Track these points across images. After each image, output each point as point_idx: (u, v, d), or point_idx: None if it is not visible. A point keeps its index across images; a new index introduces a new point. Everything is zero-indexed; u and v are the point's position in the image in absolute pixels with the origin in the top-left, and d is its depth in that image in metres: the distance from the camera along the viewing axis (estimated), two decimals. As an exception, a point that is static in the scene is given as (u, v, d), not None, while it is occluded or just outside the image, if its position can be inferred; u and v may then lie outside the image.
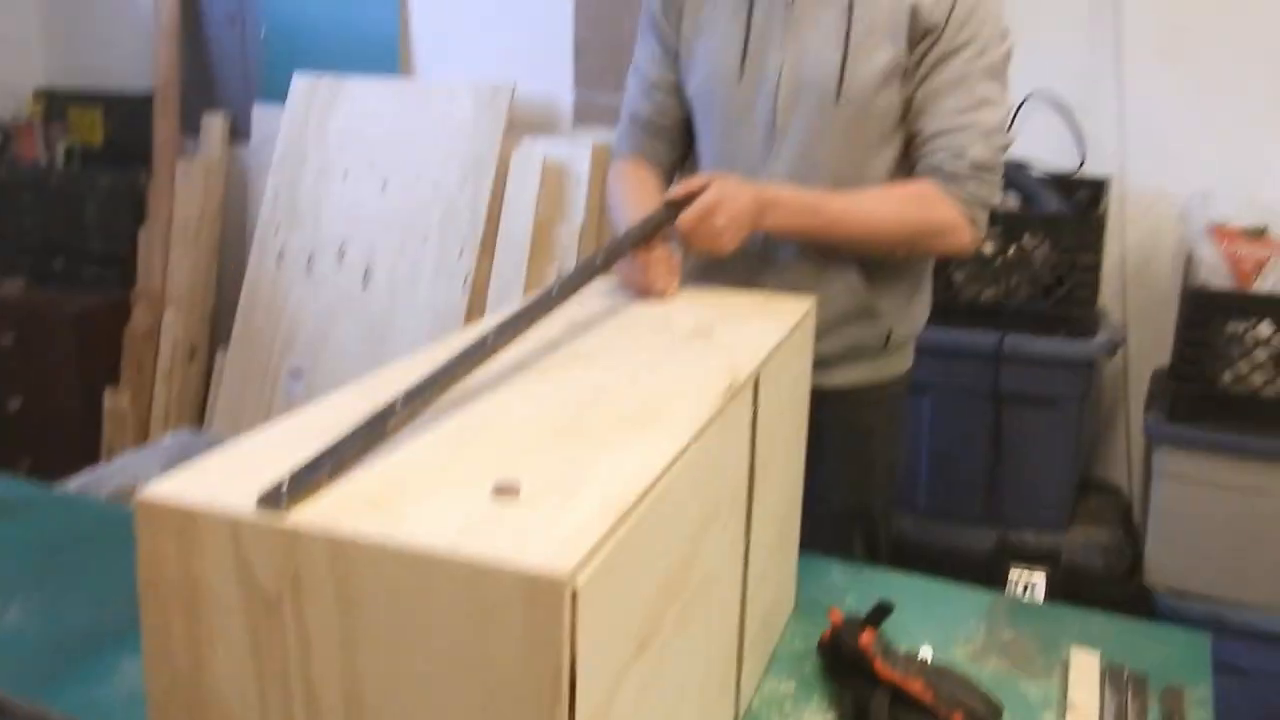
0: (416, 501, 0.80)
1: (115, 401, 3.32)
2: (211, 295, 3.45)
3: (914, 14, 1.52)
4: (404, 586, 0.75)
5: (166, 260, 3.35)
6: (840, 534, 1.76)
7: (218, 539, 0.79)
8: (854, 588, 1.57)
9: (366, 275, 3.02)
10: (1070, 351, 2.24)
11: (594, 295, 1.43)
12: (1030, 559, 2.25)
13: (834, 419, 1.68)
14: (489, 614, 0.73)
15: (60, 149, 3.49)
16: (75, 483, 1.88)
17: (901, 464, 1.87)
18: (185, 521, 0.79)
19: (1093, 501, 2.49)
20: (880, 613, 1.38)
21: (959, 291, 2.32)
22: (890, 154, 1.61)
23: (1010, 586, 2.23)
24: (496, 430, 0.95)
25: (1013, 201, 2.37)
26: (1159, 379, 2.42)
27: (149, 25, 3.43)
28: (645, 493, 0.84)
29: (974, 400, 2.29)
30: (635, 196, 1.67)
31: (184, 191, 3.32)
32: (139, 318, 3.34)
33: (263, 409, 3.12)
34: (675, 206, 1.46)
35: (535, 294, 1.20)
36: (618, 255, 1.37)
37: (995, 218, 2.20)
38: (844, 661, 1.32)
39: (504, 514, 0.79)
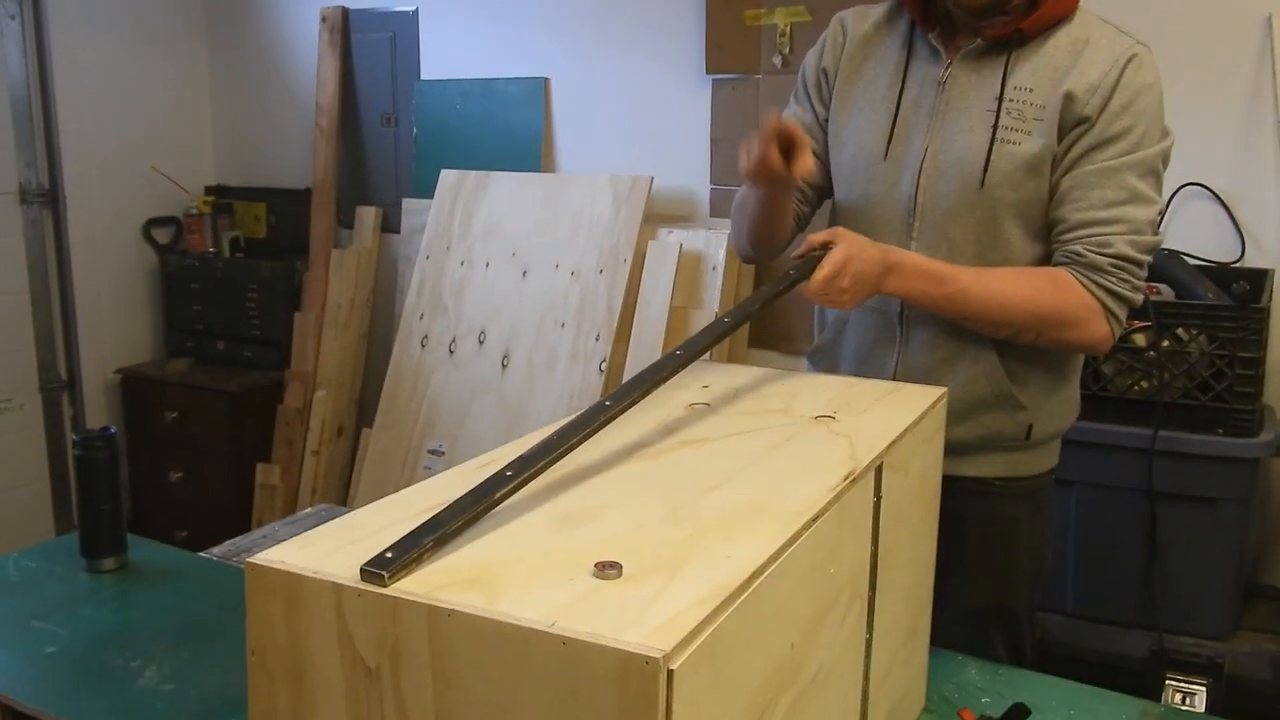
0: (517, 576, 0.79)
1: (266, 476, 3.46)
2: (359, 377, 3.58)
3: (1067, 102, 1.48)
4: (500, 660, 0.74)
5: (319, 344, 3.49)
6: (980, 632, 1.67)
7: (322, 606, 0.80)
8: (991, 688, 1.48)
9: (505, 359, 3.09)
10: (1233, 449, 2.10)
11: (717, 374, 1.41)
12: (1189, 668, 2.10)
13: (973, 509, 1.61)
14: (584, 691, 0.71)
15: (226, 240, 3.72)
16: (219, 549, 1.95)
17: (1049, 563, 1.76)
18: (291, 587, 0.80)
19: (1260, 609, 2.31)
20: (1014, 717, 1.30)
21: (1108, 384, 2.21)
22: (1033, 248, 1.56)
23: (1166, 696, 2.08)
24: (604, 510, 0.94)
25: (1165, 292, 2.27)
26: (1333, 480, 2.25)
27: (310, 126, 3.64)
28: (752, 578, 0.81)
29: (1126, 497, 2.17)
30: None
31: (337, 279, 3.48)
32: (291, 397, 3.49)
33: (404, 486, 3.18)
34: (805, 261, 1.45)
35: (661, 359, 1.19)
36: (747, 316, 1.37)
37: (1147, 307, 2.11)
38: (975, 768, 1.25)
39: (604, 592, 0.77)
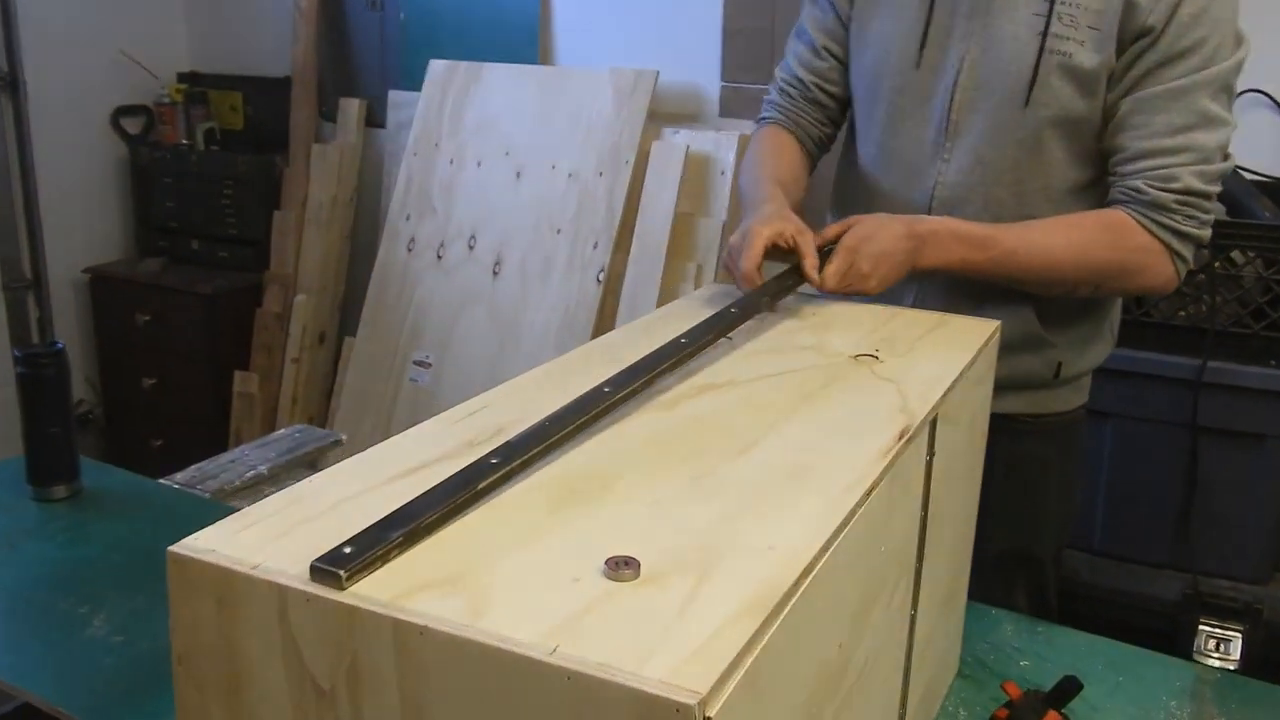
0: (508, 576, 0.63)
1: (244, 385, 3.29)
2: (342, 282, 3.39)
3: (1129, 10, 1.28)
4: (485, 691, 0.58)
5: (300, 245, 3.29)
6: (1002, 579, 1.54)
7: (262, 610, 0.63)
8: (1029, 649, 1.35)
9: (497, 266, 2.90)
10: (1285, 382, 1.95)
11: (731, 299, 1.24)
12: (1224, 613, 1.97)
13: (998, 447, 1.45)
14: (593, 739, 0.55)
15: (201, 132, 3.48)
16: (182, 475, 1.79)
17: (1077, 506, 1.62)
18: (224, 584, 0.64)
19: (1301, 552, 2.18)
20: (1066, 691, 1.16)
21: (1152, 310, 2.04)
22: (1078, 173, 1.38)
23: (1199, 642, 1.96)
24: (613, 481, 0.77)
25: (1219, 210, 2.08)
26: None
27: (290, 10, 3.38)
28: (801, 577, 0.65)
29: (1167, 431, 2.01)
30: (771, 165, 1.49)
31: (318, 176, 3.26)
32: (270, 301, 3.30)
33: (388, 398, 3.03)
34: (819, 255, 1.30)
35: (665, 345, 1.01)
36: (754, 309, 1.18)
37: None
38: (1021, 749, 1.11)
39: (617, 602, 0.61)
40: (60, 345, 1.60)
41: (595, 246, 2.74)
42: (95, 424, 3.54)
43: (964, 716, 1.22)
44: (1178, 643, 1.97)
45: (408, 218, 3.06)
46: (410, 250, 3.04)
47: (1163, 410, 2.00)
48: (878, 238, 1.27)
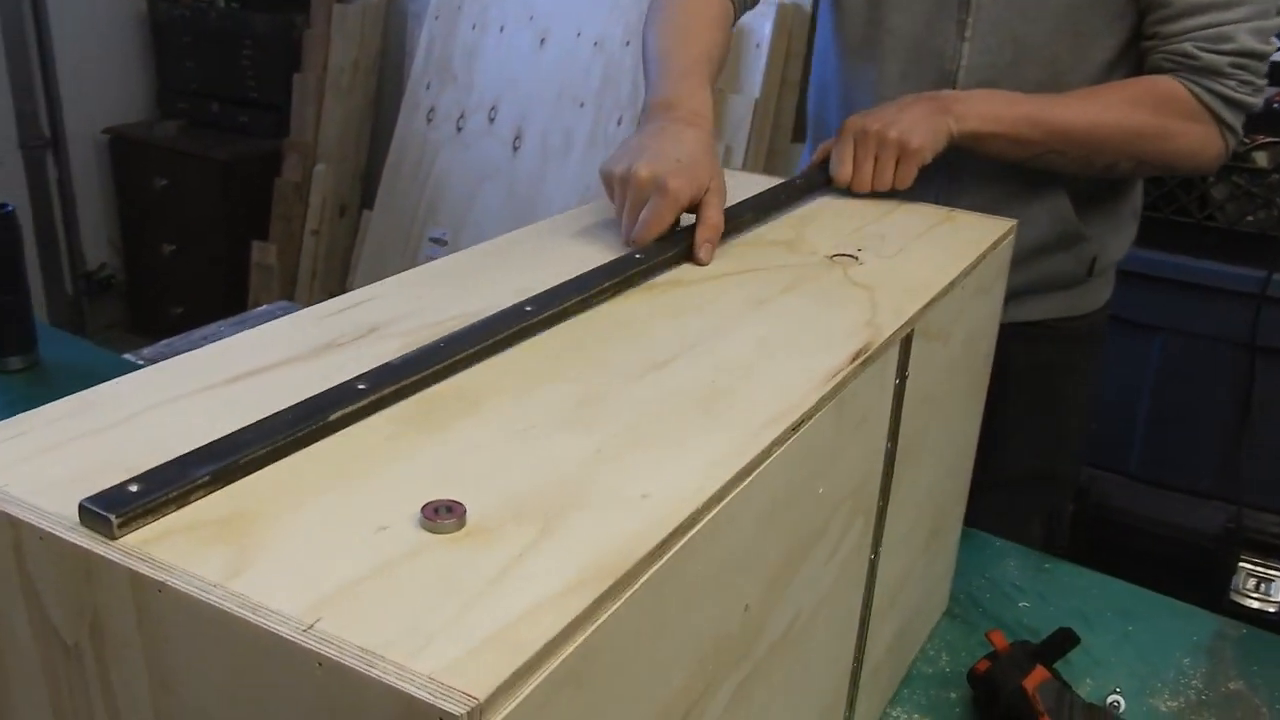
0: (299, 528, 0.50)
1: (262, 255, 3.19)
2: (364, 152, 3.24)
3: None
4: (235, 667, 0.45)
5: (320, 111, 3.15)
6: (1015, 504, 1.39)
7: (1, 549, 0.51)
8: (1031, 588, 1.21)
9: (517, 140, 2.73)
10: (1361, 299, 1.74)
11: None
12: (1269, 550, 1.81)
13: (1017, 358, 1.30)
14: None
15: (221, -12, 3.32)
16: (150, 350, 1.70)
17: (1090, 418, 1.46)
18: (-43, 514, 0.52)
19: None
20: (1059, 644, 1.03)
21: (1216, 212, 1.83)
22: (1114, 41, 1.18)
23: (1237, 580, 1.80)
24: (483, 400, 0.63)
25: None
26: None
27: None
28: (673, 536, 0.52)
29: (1222, 349, 1.83)
30: (698, 31, 1.19)
31: (339, 38, 3.09)
32: (289, 170, 3.17)
33: (405, 277, 2.91)
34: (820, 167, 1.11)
35: (619, 256, 0.86)
36: (746, 223, 0.98)
37: (1262, 119, 1.70)
38: (1000, 707, 0.98)
39: (421, 562, 0.48)
40: (10, 208, 1.49)
41: (619, 122, 2.56)
42: (117, 289, 3.48)
43: (946, 662, 1.09)
44: (1214, 580, 1.81)
45: (428, 86, 2.89)
46: (429, 121, 2.89)
47: (1220, 325, 1.81)
48: (892, 105, 1.09)
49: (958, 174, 1.21)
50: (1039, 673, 0.99)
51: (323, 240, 3.17)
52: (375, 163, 3.20)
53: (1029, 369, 1.33)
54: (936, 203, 1.20)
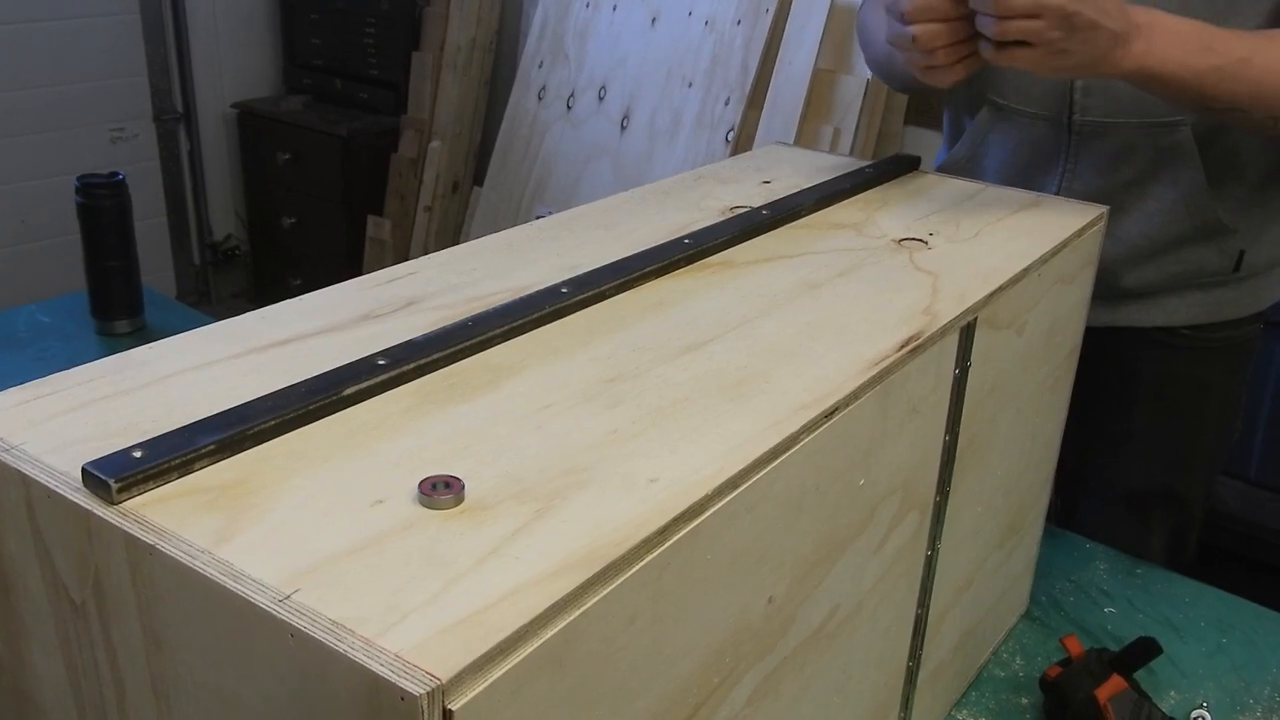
0: (297, 497, 0.50)
1: (377, 230, 3.26)
2: (478, 129, 3.28)
3: None
4: (219, 631, 0.46)
5: (436, 89, 3.19)
6: (1135, 522, 1.28)
7: (15, 503, 0.52)
8: (1119, 593, 1.16)
9: (625, 120, 2.72)
10: None
11: (791, 164, 1.04)
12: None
13: (1150, 366, 1.21)
14: (321, 714, 0.43)
15: (348, -35, 3.38)
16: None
17: (1235, 440, 1.34)
18: (-20, 469, 0.53)
19: None
20: (1138, 654, 0.98)
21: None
22: (1261, 9, 1.06)
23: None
24: (507, 376, 0.62)
25: None
26: None
27: None
28: (677, 522, 0.50)
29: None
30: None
31: (458, 17, 3.12)
32: (405, 146, 3.23)
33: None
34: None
35: (673, 239, 0.82)
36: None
37: None
38: (1069, 715, 0.94)
39: (411, 537, 0.47)
40: (121, 176, 1.55)
41: (727, 103, 2.53)
42: (242, 260, 3.60)
43: (1020, 666, 1.05)
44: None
45: (540, 64, 2.90)
46: (540, 99, 2.90)
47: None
48: (1092, 5, 0.87)
49: (1077, 155, 1.12)
50: (1115, 682, 0.94)
51: (435, 216, 3.22)
52: (488, 140, 3.23)
53: (1156, 379, 1.22)
54: (1056, 184, 1.13)
